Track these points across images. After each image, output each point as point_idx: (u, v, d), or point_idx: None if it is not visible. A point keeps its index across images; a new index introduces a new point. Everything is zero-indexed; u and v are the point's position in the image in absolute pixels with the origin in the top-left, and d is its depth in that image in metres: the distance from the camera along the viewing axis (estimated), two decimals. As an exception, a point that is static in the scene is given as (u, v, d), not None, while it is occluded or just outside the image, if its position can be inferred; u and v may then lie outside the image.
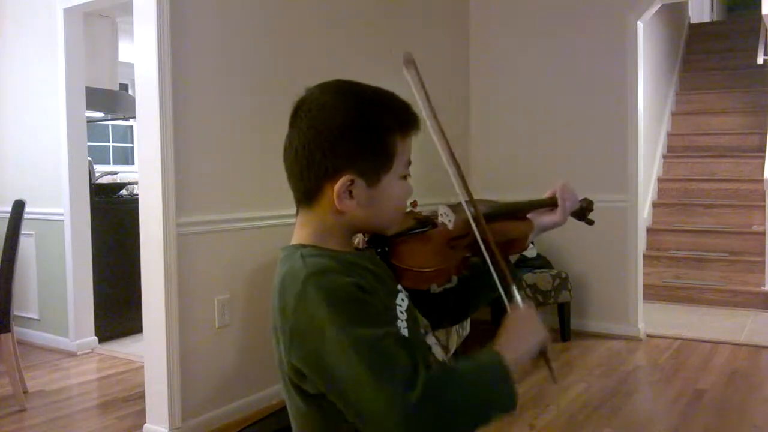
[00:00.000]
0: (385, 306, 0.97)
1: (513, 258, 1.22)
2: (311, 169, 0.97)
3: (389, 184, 1.00)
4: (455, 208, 1.15)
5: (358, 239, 1.11)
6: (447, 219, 1.14)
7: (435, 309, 1.17)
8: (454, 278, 1.13)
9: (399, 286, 1.06)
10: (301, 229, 1.02)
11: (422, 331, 1.08)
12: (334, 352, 0.85)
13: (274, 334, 0.97)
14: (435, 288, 1.11)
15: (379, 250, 1.09)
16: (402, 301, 1.03)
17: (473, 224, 1.08)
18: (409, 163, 1.03)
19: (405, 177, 1.03)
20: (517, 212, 1.27)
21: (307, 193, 1.00)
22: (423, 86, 1.09)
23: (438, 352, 1.08)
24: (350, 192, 0.97)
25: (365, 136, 0.97)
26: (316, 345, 0.88)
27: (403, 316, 1.01)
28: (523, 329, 0.98)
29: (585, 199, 1.35)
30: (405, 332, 0.99)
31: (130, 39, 3.00)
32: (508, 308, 1.01)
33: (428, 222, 1.17)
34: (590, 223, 1.36)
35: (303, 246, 0.99)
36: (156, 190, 2.66)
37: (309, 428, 0.99)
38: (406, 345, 0.88)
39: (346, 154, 0.96)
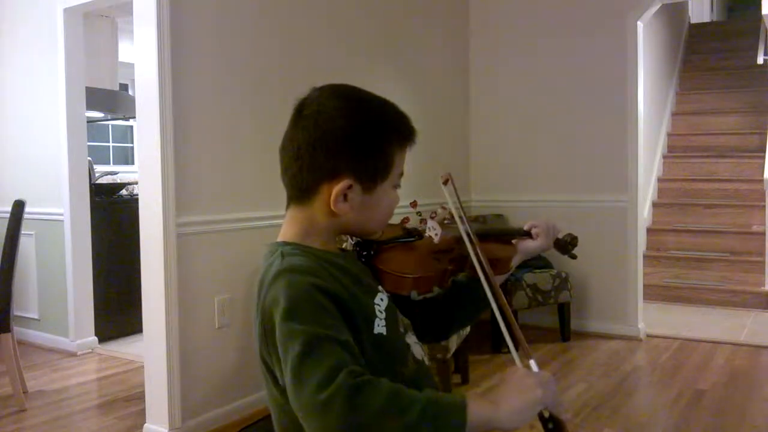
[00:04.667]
0: (360, 305, 0.99)
1: (500, 279, 1.24)
2: (312, 168, 1.00)
3: (383, 193, 1.04)
4: (444, 224, 1.21)
5: (347, 243, 1.15)
6: (434, 233, 1.19)
7: (417, 318, 1.20)
8: (436, 289, 1.17)
9: (379, 287, 1.09)
10: (288, 226, 1.06)
11: (402, 330, 1.10)
12: (279, 340, 0.90)
13: (254, 329, 1.01)
14: (415, 295, 1.14)
15: (364, 252, 1.13)
16: (381, 301, 1.06)
17: (467, 242, 1.13)
18: (402, 174, 1.07)
19: (395, 187, 1.07)
20: (503, 236, 1.33)
21: (302, 191, 1.03)
22: (458, 196, 1.19)
23: (417, 351, 1.10)
24: (345, 196, 1.00)
25: (369, 144, 1.01)
26: (271, 331, 0.92)
27: (382, 315, 1.03)
28: (511, 388, 0.88)
29: (569, 234, 1.38)
30: (383, 330, 1.01)
31: (130, 39, 3.00)
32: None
33: (415, 233, 1.21)
34: (573, 257, 1.40)
35: (286, 244, 1.03)
36: (156, 190, 2.66)
37: (285, 418, 1.00)
38: (347, 351, 0.87)
39: (349, 159, 0.99)
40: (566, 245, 1.38)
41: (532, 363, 0.94)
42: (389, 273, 1.10)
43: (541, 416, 0.88)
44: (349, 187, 0.99)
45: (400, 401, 0.83)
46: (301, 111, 1.02)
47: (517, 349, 0.99)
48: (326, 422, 0.81)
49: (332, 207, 1.00)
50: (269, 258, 1.01)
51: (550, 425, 0.88)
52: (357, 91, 1.05)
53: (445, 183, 1.20)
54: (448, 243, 1.18)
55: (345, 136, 0.99)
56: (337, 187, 0.99)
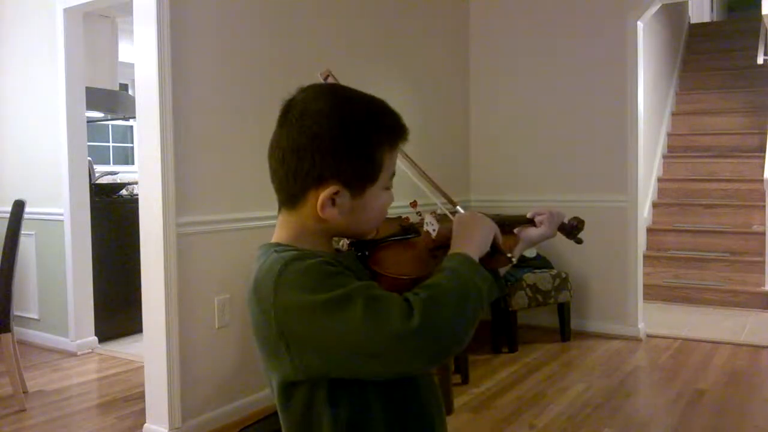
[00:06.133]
0: None
1: (503, 270, 1.23)
2: (297, 174, 0.97)
3: (372, 195, 1.00)
4: (442, 218, 1.18)
5: (342, 242, 1.13)
6: (431, 228, 1.16)
7: None
8: None
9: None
10: (280, 230, 1.04)
11: None
12: (330, 319, 0.87)
13: (256, 335, 0.99)
14: None
15: (359, 253, 1.09)
16: None
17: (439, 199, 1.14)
18: (393, 174, 1.04)
19: (387, 188, 1.03)
20: (503, 225, 1.30)
21: (290, 197, 1.00)
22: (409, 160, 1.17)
23: None
24: (333, 201, 0.97)
25: (356, 149, 0.97)
26: (309, 324, 0.89)
27: None
28: (468, 226, 1.04)
29: (575, 218, 1.35)
30: None
31: (130, 39, 3.00)
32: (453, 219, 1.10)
33: (412, 229, 1.18)
34: (579, 242, 1.37)
35: (279, 245, 1.01)
36: (156, 190, 2.66)
37: (289, 418, 0.99)
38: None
39: (335, 164, 0.96)
40: (572, 229, 1.35)
41: (459, 209, 1.14)
42: (385, 275, 1.06)
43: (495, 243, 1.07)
44: (336, 192, 0.96)
45: (450, 282, 0.92)
46: (286, 113, 0.99)
47: (449, 207, 1.15)
48: (433, 338, 0.85)
49: (320, 213, 0.97)
50: (262, 258, 0.99)
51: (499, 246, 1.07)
52: (343, 91, 1.01)
53: (325, 80, 1.14)
54: (447, 237, 1.16)
55: (329, 141, 0.95)
56: (324, 194, 0.96)
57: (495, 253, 1.06)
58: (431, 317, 0.86)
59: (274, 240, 1.04)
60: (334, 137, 0.96)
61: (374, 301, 0.87)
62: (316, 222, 0.99)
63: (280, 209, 1.04)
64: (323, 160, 0.95)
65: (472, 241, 1.01)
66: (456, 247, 1.00)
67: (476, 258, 0.98)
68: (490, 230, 1.06)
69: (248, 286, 0.99)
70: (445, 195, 1.17)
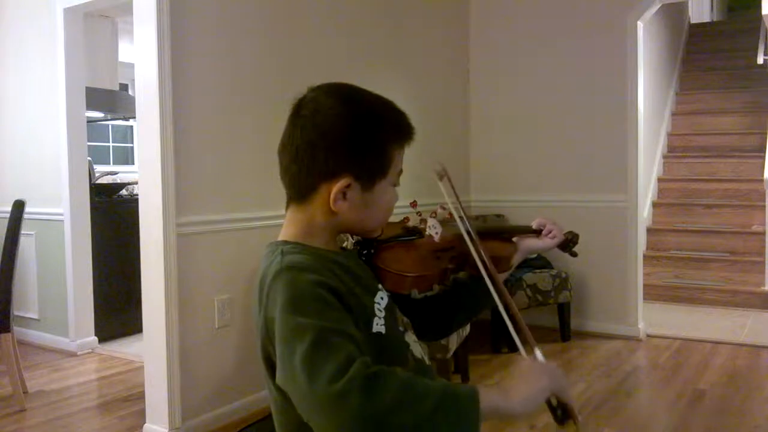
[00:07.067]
0: (360, 303, 1.00)
1: (501, 277, 1.24)
2: (311, 168, 1.00)
3: (382, 190, 1.04)
4: (445, 222, 1.21)
5: (348, 241, 1.16)
6: (434, 231, 1.20)
7: (417, 316, 1.20)
8: (436, 287, 1.18)
9: (379, 286, 1.09)
10: (288, 226, 1.06)
11: (401, 329, 1.10)
12: (281, 337, 0.88)
13: (256, 330, 1.01)
14: (416, 294, 1.15)
15: (365, 251, 1.13)
16: (381, 300, 1.06)
17: (468, 241, 1.14)
18: (401, 172, 1.07)
19: (394, 185, 1.07)
20: (503, 234, 1.33)
21: (301, 191, 1.03)
22: (455, 193, 1.16)
23: (417, 350, 1.10)
24: (344, 194, 1.00)
25: (367, 143, 1.01)
26: (273, 330, 0.91)
27: (381, 314, 1.04)
28: (520, 376, 0.91)
29: (570, 232, 1.38)
30: (382, 329, 1.02)
31: (130, 39, 3.00)
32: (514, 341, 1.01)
33: (416, 232, 1.22)
34: (574, 255, 1.40)
35: (286, 243, 1.03)
36: (156, 190, 2.66)
37: (285, 420, 1.01)
38: (355, 344, 0.87)
39: (347, 158, 0.99)
40: (568, 243, 1.38)
41: (538, 353, 0.97)
42: (389, 272, 1.10)
43: (549, 404, 0.90)
44: (348, 185, 1.00)
45: (416, 390, 0.83)
46: (298, 111, 1.02)
47: (523, 343, 1.03)
48: (340, 413, 0.79)
49: (331, 206, 1.00)
50: (269, 257, 1.01)
51: (559, 412, 0.91)
52: (353, 90, 1.05)
53: (441, 179, 1.18)
54: (449, 241, 1.19)
55: (342, 136, 0.99)
56: (336, 186, 0.99)
57: (563, 413, 0.91)
58: (360, 392, 0.79)
59: (281, 237, 1.06)
60: (347, 132, 0.99)
61: (320, 345, 0.84)
62: (326, 216, 1.02)
63: (288, 205, 1.07)
64: (337, 154, 0.99)
65: (508, 396, 0.88)
66: (495, 389, 0.89)
67: (495, 409, 0.86)
68: (542, 391, 0.89)
69: (255, 284, 1.02)
70: (471, 224, 1.17)
